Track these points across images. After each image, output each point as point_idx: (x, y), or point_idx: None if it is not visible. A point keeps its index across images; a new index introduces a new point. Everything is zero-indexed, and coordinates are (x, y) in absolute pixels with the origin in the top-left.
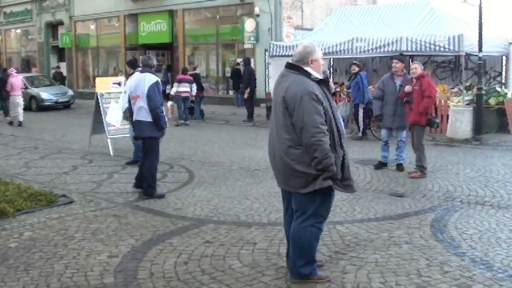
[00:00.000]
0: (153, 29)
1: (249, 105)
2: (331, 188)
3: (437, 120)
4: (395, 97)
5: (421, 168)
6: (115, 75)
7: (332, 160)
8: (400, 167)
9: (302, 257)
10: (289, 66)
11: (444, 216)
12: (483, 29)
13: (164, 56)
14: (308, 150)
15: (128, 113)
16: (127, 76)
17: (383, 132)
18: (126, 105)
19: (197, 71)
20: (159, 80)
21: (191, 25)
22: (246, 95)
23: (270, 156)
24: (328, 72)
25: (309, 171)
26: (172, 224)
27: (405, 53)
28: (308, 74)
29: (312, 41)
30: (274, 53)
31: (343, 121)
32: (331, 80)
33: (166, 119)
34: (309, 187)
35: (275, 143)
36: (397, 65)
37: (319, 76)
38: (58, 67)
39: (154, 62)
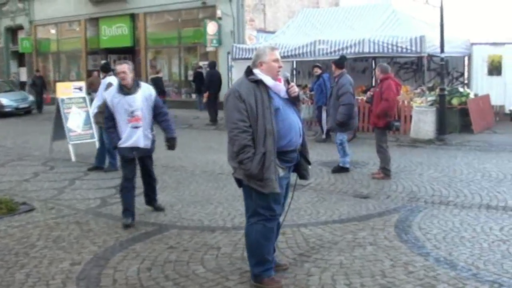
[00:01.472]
0: (115, 33)
1: (211, 109)
2: None
3: (397, 123)
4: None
5: (384, 170)
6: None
7: (246, 155)
8: (343, 170)
9: (252, 255)
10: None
11: (408, 217)
12: (444, 30)
13: (126, 60)
14: (230, 145)
15: (100, 118)
16: (88, 81)
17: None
18: (96, 110)
19: (159, 75)
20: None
21: (153, 28)
22: (204, 99)
23: None
24: (288, 75)
25: (232, 163)
26: (135, 230)
27: (367, 55)
28: (246, 75)
29: (271, 44)
30: (236, 56)
31: (307, 123)
32: (293, 83)
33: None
34: (236, 174)
35: None
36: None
37: (261, 77)
38: (38, 70)
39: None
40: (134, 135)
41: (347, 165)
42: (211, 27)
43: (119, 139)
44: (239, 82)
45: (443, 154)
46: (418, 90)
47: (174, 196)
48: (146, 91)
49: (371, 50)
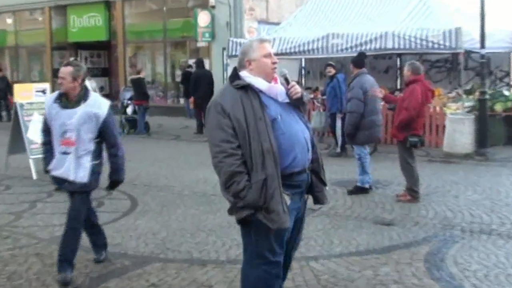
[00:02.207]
0: (86, 24)
1: (200, 115)
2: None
3: (414, 139)
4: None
5: (411, 191)
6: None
7: (240, 186)
8: (351, 190)
9: None
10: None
11: (441, 249)
12: (486, 20)
13: (100, 57)
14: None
15: None
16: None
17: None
18: None
19: (141, 75)
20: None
21: (132, 19)
22: (191, 105)
23: None
24: (286, 71)
25: (226, 196)
26: (110, 263)
27: (391, 52)
28: (231, 81)
29: (258, 37)
30: (233, 52)
31: (318, 134)
32: (294, 81)
33: None
34: (234, 216)
35: None
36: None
37: (249, 81)
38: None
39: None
40: (64, 163)
41: (367, 185)
42: (203, 18)
43: (51, 160)
44: (222, 91)
45: (484, 172)
46: (453, 94)
47: (158, 221)
48: (94, 107)
49: (396, 46)
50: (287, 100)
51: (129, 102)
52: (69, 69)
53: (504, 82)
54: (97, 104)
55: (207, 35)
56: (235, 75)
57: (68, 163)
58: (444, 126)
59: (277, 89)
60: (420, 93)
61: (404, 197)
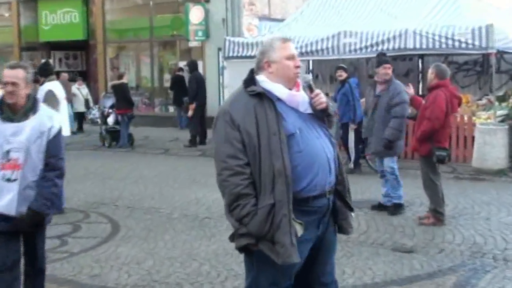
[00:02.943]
0: (61, 21)
1: (195, 126)
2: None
3: (441, 152)
4: (372, 111)
5: (435, 212)
6: None
7: (244, 211)
8: (397, 208)
9: None
10: None
11: (470, 280)
12: None
13: (77, 59)
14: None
15: None
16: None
17: (376, 160)
18: None
19: (124, 80)
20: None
21: (114, 15)
22: (190, 112)
23: None
24: (310, 77)
25: (229, 220)
26: None
27: (412, 52)
28: (245, 85)
29: (277, 35)
30: (230, 53)
31: None
32: (318, 90)
33: None
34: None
35: None
36: (387, 70)
37: (265, 87)
38: None
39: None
40: (5, 194)
41: (403, 201)
42: (195, 14)
43: None
44: (233, 97)
45: None
46: (484, 101)
47: (143, 249)
48: (45, 120)
49: (417, 46)
50: (309, 111)
51: (110, 111)
52: (21, 72)
53: None
54: (48, 117)
55: (200, 33)
56: (250, 79)
57: (10, 195)
58: (473, 138)
59: (299, 97)
60: (444, 101)
61: (427, 220)
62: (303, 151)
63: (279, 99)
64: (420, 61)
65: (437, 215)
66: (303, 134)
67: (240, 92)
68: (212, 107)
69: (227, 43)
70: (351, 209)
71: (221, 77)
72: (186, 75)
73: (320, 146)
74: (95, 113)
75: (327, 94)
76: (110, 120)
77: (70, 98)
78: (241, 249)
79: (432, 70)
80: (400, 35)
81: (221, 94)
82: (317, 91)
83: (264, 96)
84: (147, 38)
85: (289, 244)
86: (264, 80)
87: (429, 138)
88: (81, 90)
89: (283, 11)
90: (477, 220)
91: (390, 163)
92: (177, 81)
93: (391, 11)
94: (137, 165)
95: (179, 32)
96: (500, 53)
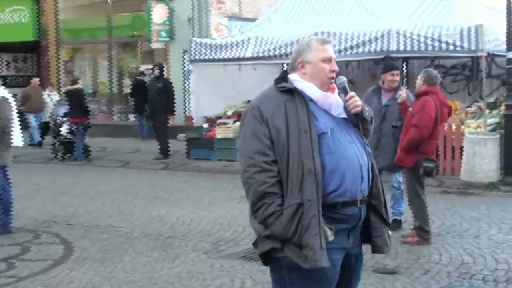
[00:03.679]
0: (8, 20)
1: (164, 136)
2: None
3: (429, 164)
4: (379, 122)
5: (420, 230)
6: None
7: (269, 210)
8: (395, 224)
9: None
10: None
11: None
12: None
13: (27, 62)
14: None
15: None
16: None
17: None
18: None
19: (79, 85)
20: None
21: (68, 14)
22: (171, 122)
23: None
24: (345, 79)
25: (252, 224)
26: None
27: (396, 55)
28: (276, 82)
29: (316, 36)
30: (197, 56)
31: None
32: (353, 93)
33: None
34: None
35: None
36: (395, 77)
37: (297, 85)
38: None
39: None
40: None
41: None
42: (158, 12)
43: None
44: (263, 92)
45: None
46: (473, 108)
47: (99, 272)
48: None
49: (401, 48)
50: (343, 115)
51: (63, 119)
52: None
53: None
54: None
55: (163, 34)
56: (283, 77)
57: None
58: (461, 149)
59: (333, 99)
60: (433, 108)
61: (411, 239)
62: (333, 153)
63: (311, 100)
64: (404, 64)
65: (422, 233)
66: (335, 136)
67: (271, 88)
68: (178, 115)
69: (193, 44)
70: (388, 224)
71: (186, 82)
72: (147, 80)
73: (353, 151)
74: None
75: None
76: (64, 130)
77: (43, 106)
78: (265, 258)
79: (421, 76)
80: (382, 36)
81: (187, 101)
82: (351, 93)
83: (295, 93)
84: (105, 39)
85: (318, 247)
86: (296, 79)
87: (416, 148)
88: (51, 97)
89: (255, 9)
90: (465, 238)
91: (399, 177)
92: (138, 87)
93: (373, 10)
94: (93, 179)
95: (140, 32)
96: (491, 56)
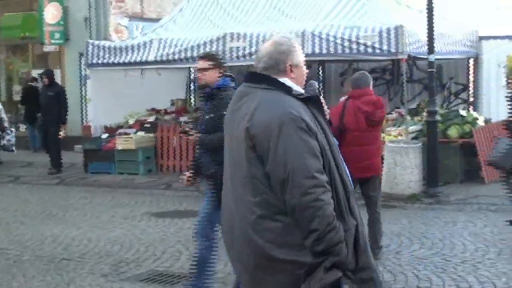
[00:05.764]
0: None
1: (57, 147)
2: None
3: None
4: None
5: None
6: None
7: (341, 234)
8: None
9: None
10: (252, 77)
11: None
12: (435, 17)
13: None
14: (299, 219)
15: None
16: None
17: None
18: None
19: None
20: None
21: None
22: (62, 133)
23: (225, 235)
24: (317, 85)
25: (300, 258)
26: None
27: (311, 58)
28: (286, 89)
29: (285, 35)
30: (95, 60)
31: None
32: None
33: None
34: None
35: (233, 211)
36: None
37: (303, 92)
38: None
39: None
40: None
41: None
42: (51, 12)
43: None
44: (277, 101)
45: (434, 219)
46: (394, 115)
47: None
48: None
49: (317, 50)
50: None
51: None
52: None
53: (461, 98)
54: None
55: (57, 35)
56: (274, 81)
57: None
58: (382, 158)
59: (325, 106)
60: (336, 113)
61: None
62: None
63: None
64: (320, 68)
65: None
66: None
67: (281, 96)
68: (74, 125)
69: (90, 47)
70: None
71: (83, 88)
72: (39, 86)
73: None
74: (10, 138)
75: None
76: None
77: None
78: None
79: (348, 81)
80: (296, 38)
81: (84, 109)
82: (322, 100)
83: (309, 100)
84: None
85: (375, 267)
86: (293, 85)
87: None
88: None
89: (158, 9)
90: (386, 254)
91: None
92: (29, 94)
93: (286, 10)
94: None
95: (31, 34)
96: (412, 59)
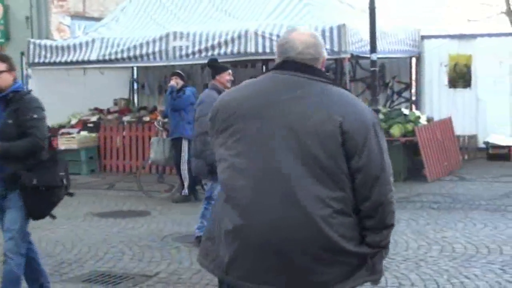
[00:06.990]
0: None
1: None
2: None
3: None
4: None
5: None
6: None
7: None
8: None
9: None
10: (301, 67)
11: None
12: (377, 16)
13: None
14: (379, 215)
15: None
16: None
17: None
18: None
19: None
20: None
21: None
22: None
23: (252, 236)
24: None
25: (362, 250)
26: None
27: (254, 57)
28: (336, 84)
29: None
30: (36, 59)
31: (158, 169)
32: None
33: None
34: (350, 281)
35: (278, 205)
36: (231, 76)
37: None
38: None
39: None
40: None
41: None
42: None
43: None
44: (354, 100)
45: None
46: None
47: None
48: None
49: (260, 50)
50: None
51: None
52: None
53: (404, 97)
54: None
55: None
56: (323, 75)
57: None
58: None
59: None
60: None
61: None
62: None
63: None
64: (264, 67)
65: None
66: None
67: (348, 95)
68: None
69: (31, 46)
70: None
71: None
72: None
73: None
74: None
75: (155, 108)
76: None
77: None
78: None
79: None
80: (239, 37)
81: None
82: None
83: None
84: None
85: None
86: None
87: None
88: None
89: (101, 8)
90: None
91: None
92: None
93: (228, 10)
94: None
95: None
96: (355, 58)
